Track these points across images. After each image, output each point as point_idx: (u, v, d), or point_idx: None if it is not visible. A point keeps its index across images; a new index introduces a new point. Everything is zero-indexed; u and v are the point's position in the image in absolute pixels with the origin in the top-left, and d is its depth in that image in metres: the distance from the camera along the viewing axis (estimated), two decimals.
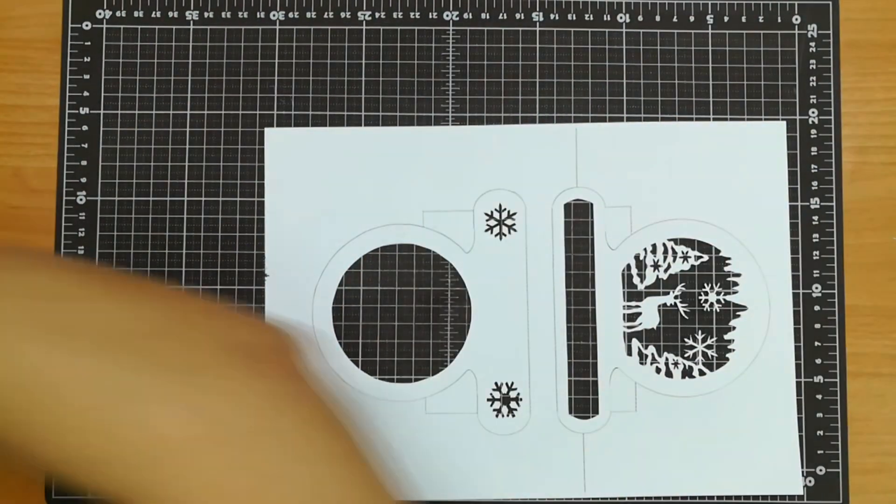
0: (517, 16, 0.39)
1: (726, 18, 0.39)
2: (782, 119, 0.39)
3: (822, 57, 0.39)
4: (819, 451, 0.38)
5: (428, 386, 0.38)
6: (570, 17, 0.39)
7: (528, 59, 0.39)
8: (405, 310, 0.38)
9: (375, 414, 0.37)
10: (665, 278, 0.38)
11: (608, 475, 0.37)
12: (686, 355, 0.38)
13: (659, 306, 0.38)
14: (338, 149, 0.38)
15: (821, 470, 0.38)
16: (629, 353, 0.38)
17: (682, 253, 0.38)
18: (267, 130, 0.38)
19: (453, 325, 0.38)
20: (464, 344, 0.38)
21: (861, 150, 0.39)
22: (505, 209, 0.38)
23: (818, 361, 0.38)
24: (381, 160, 0.38)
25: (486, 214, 0.38)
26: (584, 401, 0.37)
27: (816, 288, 0.38)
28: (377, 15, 0.39)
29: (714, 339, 0.38)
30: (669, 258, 0.38)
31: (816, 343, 0.38)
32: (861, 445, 0.38)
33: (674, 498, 0.37)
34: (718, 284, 0.38)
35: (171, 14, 0.39)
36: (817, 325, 0.38)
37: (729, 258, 0.38)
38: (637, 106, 0.39)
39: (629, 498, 0.37)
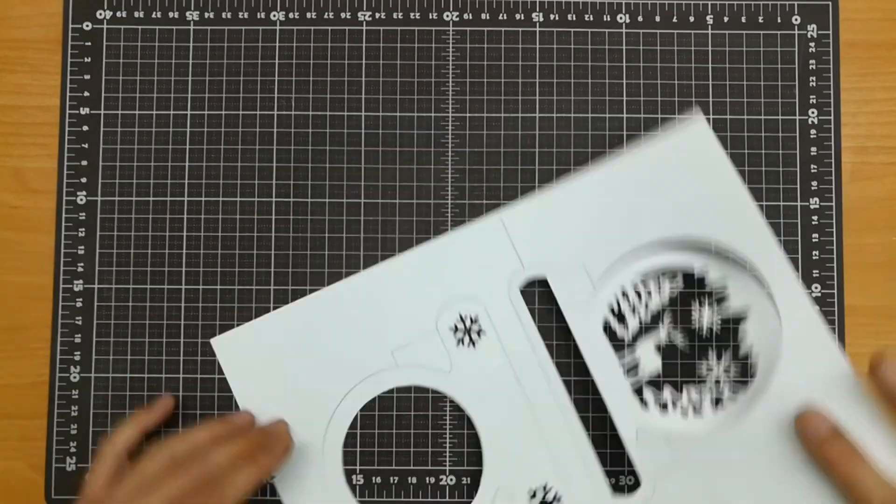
0: (517, 16, 0.39)
1: (726, 18, 0.39)
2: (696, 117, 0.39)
3: (822, 57, 0.39)
4: None
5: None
6: (570, 17, 0.39)
7: (528, 59, 0.39)
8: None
9: None
10: (648, 319, 0.37)
11: None
12: (706, 384, 0.36)
13: (655, 346, 0.36)
14: (284, 330, 0.37)
15: None
16: (645, 406, 0.36)
17: (656, 286, 0.37)
18: (213, 341, 0.37)
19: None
20: (483, 465, 0.36)
21: (861, 150, 0.39)
22: (467, 316, 0.37)
23: None
24: (329, 322, 0.37)
25: (451, 329, 0.37)
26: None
27: (816, 288, 0.38)
28: (377, 15, 0.39)
29: (728, 353, 0.36)
30: (644, 296, 0.37)
31: None
32: None
33: None
34: (708, 298, 0.37)
35: (171, 14, 0.39)
36: None
37: (705, 272, 0.37)
38: (637, 106, 0.39)
39: None
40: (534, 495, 0.35)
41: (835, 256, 0.38)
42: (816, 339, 0.34)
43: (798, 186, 0.39)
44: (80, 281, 0.38)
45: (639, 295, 0.37)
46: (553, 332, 0.38)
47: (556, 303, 0.36)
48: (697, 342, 0.37)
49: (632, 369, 0.36)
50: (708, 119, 0.39)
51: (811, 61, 0.39)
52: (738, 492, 0.34)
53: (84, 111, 0.39)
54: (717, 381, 0.36)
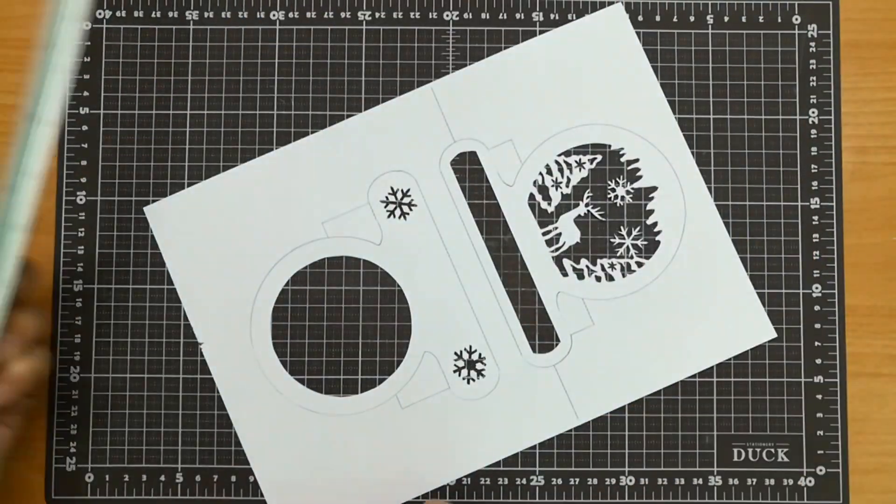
0: (517, 16, 0.39)
1: (726, 18, 0.39)
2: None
3: (822, 57, 0.39)
4: (819, 451, 0.38)
5: (394, 383, 0.38)
6: (570, 16, 0.39)
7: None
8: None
9: (360, 428, 0.37)
10: (570, 192, 0.39)
11: (593, 395, 0.37)
12: (618, 253, 0.38)
13: (574, 219, 0.38)
14: (216, 200, 0.38)
15: (821, 470, 0.38)
16: (565, 273, 0.38)
17: (577, 162, 0.39)
18: (146, 209, 0.38)
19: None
20: (411, 330, 0.38)
21: (861, 150, 0.39)
22: (398, 189, 0.38)
23: (818, 361, 0.38)
24: (260, 192, 0.38)
25: (383, 202, 0.38)
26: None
27: (816, 288, 0.38)
28: (377, 15, 0.39)
29: (637, 228, 0.38)
30: (567, 172, 0.39)
31: (816, 343, 0.38)
32: (861, 445, 0.38)
33: (664, 390, 0.38)
34: (622, 177, 0.38)
35: (171, 14, 0.39)
36: (817, 325, 0.38)
37: (621, 148, 0.38)
38: None
39: (619, 409, 0.38)
40: (459, 357, 0.37)
41: (835, 256, 0.38)
42: (713, 232, 0.38)
43: (798, 186, 0.39)
44: (80, 281, 0.38)
45: (561, 169, 0.38)
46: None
47: (486, 179, 0.38)
48: (614, 214, 0.39)
49: (553, 240, 0.38)
50: (708, 119, 0.39)
51: (811, 61, 0.39)
52: (644, 344, 0.38)
53: (83, 111, 0.39)
54: (627, 250, 0.38)
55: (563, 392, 0.37)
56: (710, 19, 0.39)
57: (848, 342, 0.38)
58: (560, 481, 0.38)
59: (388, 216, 0.38)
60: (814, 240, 0.38)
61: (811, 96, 0.39)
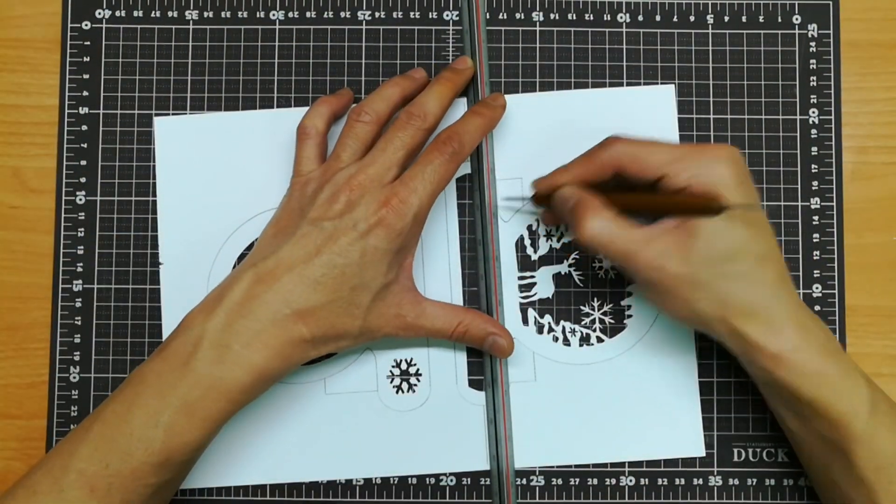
0: (517, 16, 0.39)
1: (726, 18, 0.39)
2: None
3: (822, 57, 0.39)
4: None
5: (327, 367, 0.38)
6: (570, 16, 0.39)
7: (528, 59, 0.39)
8: None
9: (275, 397, 0.37)
10: (558, 247, 0.38)
11: (515, 445, 0.37)
12: (583, 323, 0.38)
13: (553, 275, 0.38)
14: (227, 133, 0.38)
15: None
16: (525, 322, 0.38)
17: None
18: (156, 119, 0.38)
19: None
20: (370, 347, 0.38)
21: (861, 150, 0.39)
22: None
23: None
24: (270, 141, 0.38)
25: None
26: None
27: (816, 288, 0.38)
28: (377, 15, 0.39)
29: (610, 305, 0.38)
30: (562, 227, 0.38)
31: None
32: None
33: (577, 466, 0.37)
34: None
35: (170, 14, 0.39)
36: None
37: None
38: None
39: (531, 468, 0.37)
40: (397, 365, 0.37)
41: (835, 256, 0.38)
42: (685, 335, 0.38)
43: (799, 186, 0.39)
44: (80, 281, 0.38)
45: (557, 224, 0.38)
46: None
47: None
48: (591, 284, 0.38)
49: (526, 287, 0.38)
50: (708, 119, 0.39)
51: (812, 61, 0.39)
52: (576, 417, 0.37)
53: (83, 111, 0.39)
54: (593, 323, 0.38)
55: (482, 435, 0.37)
56: (710, 19, 0.39)
57: (848, 342, 0.38)
58: (560, 481, 0.38)
59: None
60: (814, 240, 0.38)
61: (811, 96, 0.39)
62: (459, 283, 0.38)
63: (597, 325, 0.38)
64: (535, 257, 0.38)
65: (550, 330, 0.38)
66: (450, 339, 0.35)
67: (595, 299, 0.38)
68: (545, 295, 0.38)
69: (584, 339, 0.38)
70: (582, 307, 0.38)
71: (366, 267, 0.32)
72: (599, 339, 0.38)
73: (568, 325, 0.38)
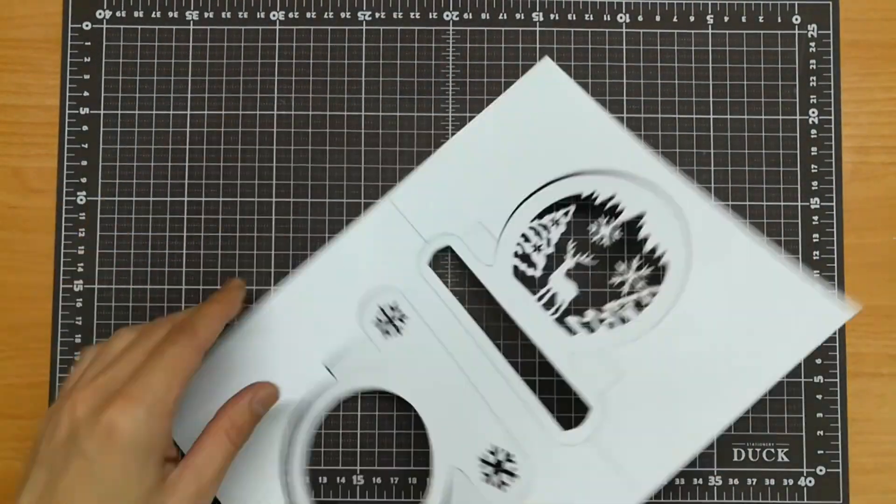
0: (517, 16, 0.39)
1: (726, 18, 0.39)
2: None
3: (822, 57, 0.39)
4: (819, 451, 0.38)
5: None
6: (570, 17, 0.39)
7: (528, 59, 0.39)
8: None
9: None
10: (552, 251, 0.37)
11: (644, 460, 0.33)
12: (624, 292, 0.36)
13: (565, 274, 0.37)
14: (224, 355, 0.36)
15: (821, 470, 0.38)
16: (572, 332, 0.35)
17: (552, 221, 0.37)
18: None
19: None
20: (430, 448, 0.35)
21: (861, 150, 0.39)
22: (386, 306, 0.36)
23: (818, 361, 0.38)
24: (263, 343, 0.36)
25: (374, 323, 0.36)
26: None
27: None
28: (377, 15, 0.39)
29: (639, 259, 0.36)
30: (545, 234, 0.37)
31: None
32: (861, 445, 0.38)
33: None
34: (602, 217, 0.37)
35: (171, 14, 0.39)
36: None
37: (593, 192, 0.36)
38: (637, 106, 0.39)
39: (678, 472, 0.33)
40: (486, 463, 0.34)
41: (835, 256, 0.38)
42: (721, 229, 0.35)
43: (798, 186, 0.39)
44: (80, 281, 0.38)
45: (538, 233, 0.37)
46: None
47: (464, 266, 0.36)
48: (605, 256, 0.37)
49: (549, 302, 0.36)
50: (708, 119, 0.39)
51: (811, 61, 0.39)
52: (689, 380, 0.33)
53: (84, 111, 0.39)
54: (633, 285, 0.36)
55: (609, 465, 0.33)
56: (710, 19, 0.39)
57: (848, 342, 0.38)
58: None
59: (384, 335, 0.36)
60: (814, 240, 0.38)
61: (811, 96, 0.39)
62: (510, 367, 0.36)
63: (639, 283, 0.36)
64: (538, 273, 0.37)
65: (601, 321, 0.35)
66: (238, 447, 0.31)
67: (616, 266, 0.37)
68: (571, 295, 0.36)
69: (638, 305, 0.35)
70: (611, 280, 0.37)
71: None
72: (652, 294, 0.35)
73: (613, 304, 0.36)
